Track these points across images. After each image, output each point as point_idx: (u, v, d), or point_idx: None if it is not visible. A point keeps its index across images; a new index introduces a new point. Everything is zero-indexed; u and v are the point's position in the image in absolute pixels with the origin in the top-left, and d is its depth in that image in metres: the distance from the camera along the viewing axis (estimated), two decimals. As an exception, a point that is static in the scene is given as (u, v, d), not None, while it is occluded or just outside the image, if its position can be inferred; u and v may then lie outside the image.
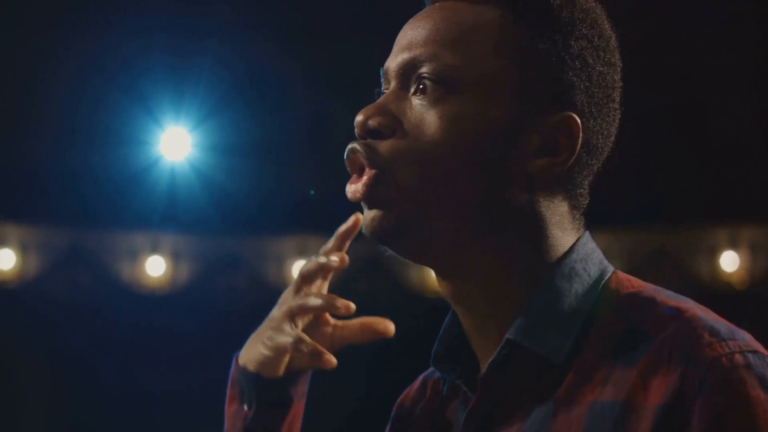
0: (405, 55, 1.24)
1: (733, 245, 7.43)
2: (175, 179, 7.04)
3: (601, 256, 1.25)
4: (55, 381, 7.45)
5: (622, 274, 1.24)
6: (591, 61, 1.23)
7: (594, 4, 1.26)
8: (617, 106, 1.27)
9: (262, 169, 7.17)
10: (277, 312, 1.39)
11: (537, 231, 1.22)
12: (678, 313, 1.13)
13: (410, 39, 1.25)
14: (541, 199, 1.22)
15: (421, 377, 1.42)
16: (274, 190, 7.23)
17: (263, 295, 7.68)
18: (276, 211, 7.26)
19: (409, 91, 1.23)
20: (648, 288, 1.20)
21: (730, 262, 7.42)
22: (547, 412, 1.15)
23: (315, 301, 1.36)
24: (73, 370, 7.29)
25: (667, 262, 7.44)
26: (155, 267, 7.67)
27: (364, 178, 1.21)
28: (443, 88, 1.20)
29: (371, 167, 1.21)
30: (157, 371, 7.18)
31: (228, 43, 6.43)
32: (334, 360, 1.34)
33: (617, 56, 1.27)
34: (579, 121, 1.21)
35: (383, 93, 1.27)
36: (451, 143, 1.19)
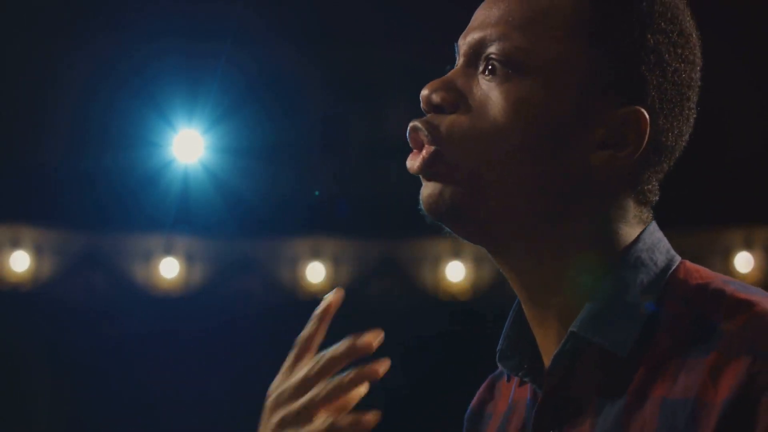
0: (476, 34, 1.22)
1: (748, 246, 7.41)
2: (188, 181, 7.05)
3: (668, 245, 1.23)
4: (66, 383, 7.46)
5: (690, 264, 1.21)
6: (667, 56, 1.19)
7: None
8: (692, 106, 1.24)
9: (275, 171, 7.17)
10: (287, 410, 1.21)
11: (599, 222, 1.20)
12: (748, 306, 1.11)
13: (483, 18, 1.23)
14: (603, 192, 1.19)
15: (488, 378, 1.40)
16: (288, 192, 7.23)
17: (277, 298, 7.69)
18: (290, 214, 7.26)
19: (477, 69, 1.22)
20: (717, 279, 1.17)
21: (744, 263, 7.40)
22: (618, 409, 1.14)
23: (349, 377, 1.19)
24: (86, 371, 7.29)
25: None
26: (169, 269, 7.67)
27: (423, 152, 1.20)
28: (511, 69, 1.18)
29: (430, 144, 1.20)
30: (171, 373, 7.18)
31: (241, 46, 6.43)
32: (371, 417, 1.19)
33: (697, 54, 1.24)
34: (647, 116, 1.18)
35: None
36: (513, 125, 1.17)
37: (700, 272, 1.19)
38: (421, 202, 1.22)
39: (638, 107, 1.18)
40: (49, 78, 6.72)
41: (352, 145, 7.08)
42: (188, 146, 6.99)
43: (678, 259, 1.22)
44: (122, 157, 6.87)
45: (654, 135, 1.19)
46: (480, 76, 1.21)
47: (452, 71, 1.24)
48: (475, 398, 1.40)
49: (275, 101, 6.87)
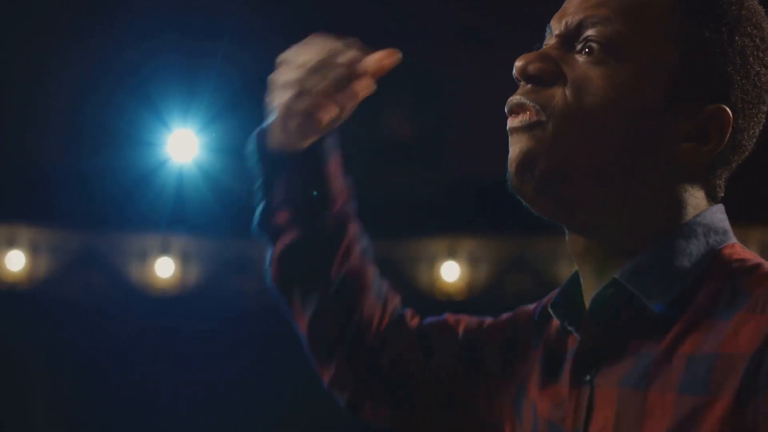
0: (574, 17, 1.26)
1: (744, 246, 7.41)
2: (183, 181, 7.04)
3: (727, 227, 1.28)
4: (63, 382, 7.45)
5: (739, 246, 1.27)
6: (751, 59, 1.25)
7: (759, 7, 1.29)
8: (766, 110, 1.29)
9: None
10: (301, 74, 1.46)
11: (672, 207, 1.25)
12: None
13: (580, 2, 1.27)
14: (680, 181, 1.25)
15: (540, 305, 1.46)
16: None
17: (273, 297, 7.68)
18: (285, 213, 7.25)
19: (572, 49, 1.26)
20: (758, 259, 1.24)
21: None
22: (648, 362, 1.20)
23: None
24: (82, 371, 7.29)
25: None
26: (164, 268, 7.67)
27: (527, 114, 1.24)
28: (609, 53, 1.23)
29: (537, 114, 1.24)
30: (167, 372, 7.17)
31: (237, 45, 6.42)
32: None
33: None
34: (731, 115, 1.23)
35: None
36: (611, 107, 1.22)
37: (746, 253, 1.26)
38: (512, 160, 1.26)
39: (723, 105, 1.24)
40: (44, 77, 6.71)
41: (349, 144, 7.07)
42: (183, 146, 6.98)
43: (731, 240, 1.28)
44: (117, 157, 6.86)
45: (733, 133, 1.25)
46: (575, 55, 1.25)
47: (546, 46, 1.28)
48: (525, 311, 1.48)
49: (271, 101, 6.86)
